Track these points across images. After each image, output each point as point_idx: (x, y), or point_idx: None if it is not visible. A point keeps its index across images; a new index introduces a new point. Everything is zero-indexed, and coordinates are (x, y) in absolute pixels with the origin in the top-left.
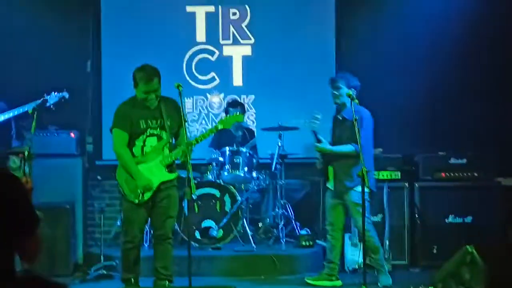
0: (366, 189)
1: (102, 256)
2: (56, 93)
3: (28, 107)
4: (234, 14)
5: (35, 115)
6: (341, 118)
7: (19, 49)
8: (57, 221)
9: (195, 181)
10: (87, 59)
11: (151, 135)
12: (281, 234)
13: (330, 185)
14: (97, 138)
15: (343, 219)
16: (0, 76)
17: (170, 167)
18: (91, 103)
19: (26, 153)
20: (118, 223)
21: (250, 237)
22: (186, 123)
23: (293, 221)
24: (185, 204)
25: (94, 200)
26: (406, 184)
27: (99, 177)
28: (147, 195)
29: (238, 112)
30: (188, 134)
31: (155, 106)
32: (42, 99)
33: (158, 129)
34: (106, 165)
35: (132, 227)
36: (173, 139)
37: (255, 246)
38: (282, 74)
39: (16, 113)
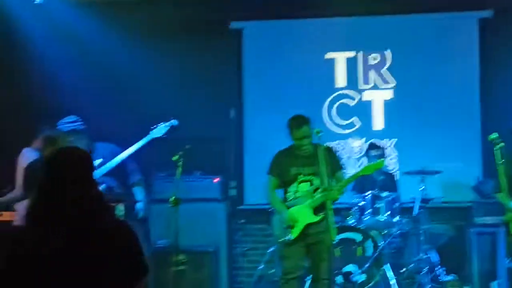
0: None
1: None
2: (163, 123)
3: (142, 143)
4: (375, 59)
5: (180, 162)
6: None
7: (163, 100)
8: (202, 264)
9: (337, 225)
10: (230, 107)
11: (303, 181)
12: (425, 280)
13: None
14: (239, 184)
15: None
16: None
17: (318, 210)
18: (234, 150)
19: (172, 198)
20: (261, 266)
21: (393, 283)
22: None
23: (438, 266)
24: None
25: (237, 244)
26: None
27: (242, 221)
28: (294, 233)
29: (378, 156)
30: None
31: (309, 152)
32: (150, 138)
33: (311, 175)
34: (248, 209)
35: (289, 263)
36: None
37: None
38: (425, 116)
39: (133, 150)
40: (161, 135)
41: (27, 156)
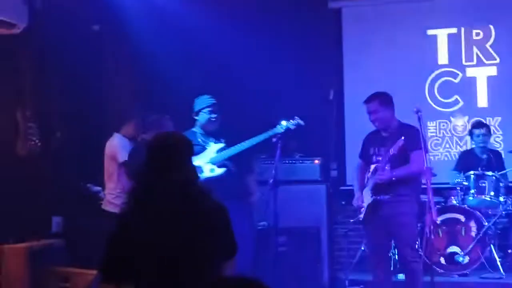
0: None
1: (346, 281)
2: (291, 121)
3: (266, 136)
4: (478, 34)
5: (279, 144)
6: None
7: (261, 80)
8: (303, 244)
9: (439, 206)
10: (330, 88)
11: (377, 161)
12: None
13: None
14: (341, 164)
15: None
16: (244, 107)
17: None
18: (334, 131)
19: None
20: (363, 247)
21: (499, 264)
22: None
23: None
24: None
25: (338, 225)
26: None
27: (343, 202)
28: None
29: (483, 135)
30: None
31: (389, 132)
32: (275, 132)
33: (382, 157)
34: (350, 190)
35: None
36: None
37: (504, 274)
38: None
39: (256, 142)
40: (286, 131)
41: (118, 142)
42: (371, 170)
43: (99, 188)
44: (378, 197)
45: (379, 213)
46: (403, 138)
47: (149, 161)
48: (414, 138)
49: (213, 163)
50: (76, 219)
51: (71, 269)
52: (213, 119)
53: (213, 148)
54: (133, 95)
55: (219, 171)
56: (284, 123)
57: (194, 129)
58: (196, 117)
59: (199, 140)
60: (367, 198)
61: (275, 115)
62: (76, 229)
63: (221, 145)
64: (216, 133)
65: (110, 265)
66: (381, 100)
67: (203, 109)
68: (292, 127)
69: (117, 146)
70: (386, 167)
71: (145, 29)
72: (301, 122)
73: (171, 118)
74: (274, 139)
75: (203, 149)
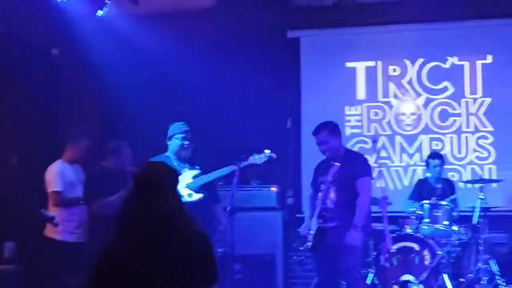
0: None
1: None
2: (263, 154)
3: (237, 167)
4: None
5: (237, 171)
6: None
7: (220, 107)
8: (258, 272)
9: (394, 235)
10: (288, 116)
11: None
12: None
13: None
14: (297, 192)
15: None
16: (207, 132)
17: None
18: (291, 159)
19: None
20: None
21: None
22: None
23: (498, 277)
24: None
25: (294, 252)
26: None
27: (298, 230)
28: None
29: (438, 165)
30: None
31: (337, 160)
32: (249, 163)
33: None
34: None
35: None
36: None
37: None
38: None
39: (225, 173)
40: (259, 163)
41: (56, 170)
42: (319, 197)
43: (53, 214)
44: (324, 225)
45: (324, 240)
46: (338, 164)
47: (137, 190)
48: (360, 165)
49: (190, 189)
50: (29, 245)
51: None
52: (186, 146)
53: (189, 174)
54: (87, 120)
55: (197, 196)
56: (266, 152)
57: (167, 154)
58: (168, 142)
59: (175, 164)
60: (314, 225)
61: (234, 142)
62: (29, 255)
63: (197, 171)
64: (189, 160)
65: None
66: (329, 130)
67: (176, 135)
68: (265, 159)
69: (52, 175)
70: (331, 194)
71: (105, 53)
72: (274, 156)
73: (129, 145)
74: (232, 165)
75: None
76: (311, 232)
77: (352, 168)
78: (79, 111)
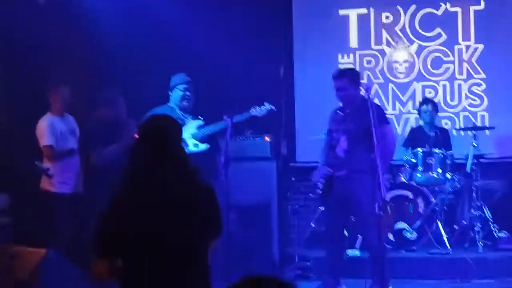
0: None
1: (296, 257)
2: (264, 107)
3: (240, 119)
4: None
5: (230, 121)
6: None
7: (211, 59)
8: (253, 221)
9: (388, 183)
10: (280, 65)
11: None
12: (477, 237)
13: None
14: (290, 141)
15: None
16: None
17: None
18: (284, 108)
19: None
20: (313, 224)
21: (445, 240)
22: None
23: (491, 223)
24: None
25: (288, 201)
26: None
27: (293, 179)
28: None
29: (430, 112)
30: None
31: (352, 108)
32: (250, 115)
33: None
34: (300, 167)
35: None
36: None
37: (450, 249)
38: None
39: (223, 126)
40: (260, 115)
41: (46, 124)
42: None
43: (48, 166)
44: (335, 173)
45: (335, 190)
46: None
47: (144, 143)
48: (376, 115)
49: (195, 139)
50: (25, 197)
51: (19, 247)
52: (187, 96)
53: (192, 124)
54: (74, 71)
55: (203, 146)
56: (266, 105)
57: (170, 105)
58: (170, 93)
59: (179, 113)
60: (324, 173)
61: (226, 93)
62: (23, 206)
63: (200, 122)
64: (192, 111)
65: (104, 241)
66: (350, 78)
67: (178, 86)
68: (266, 111)
69: (41, 130)
70: (342, 142)
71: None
72: (274, 108)
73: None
74: (224, 117)
75: (182, 124)
76: (322, 180)
77: (367, 117)
78: (68, 62)
